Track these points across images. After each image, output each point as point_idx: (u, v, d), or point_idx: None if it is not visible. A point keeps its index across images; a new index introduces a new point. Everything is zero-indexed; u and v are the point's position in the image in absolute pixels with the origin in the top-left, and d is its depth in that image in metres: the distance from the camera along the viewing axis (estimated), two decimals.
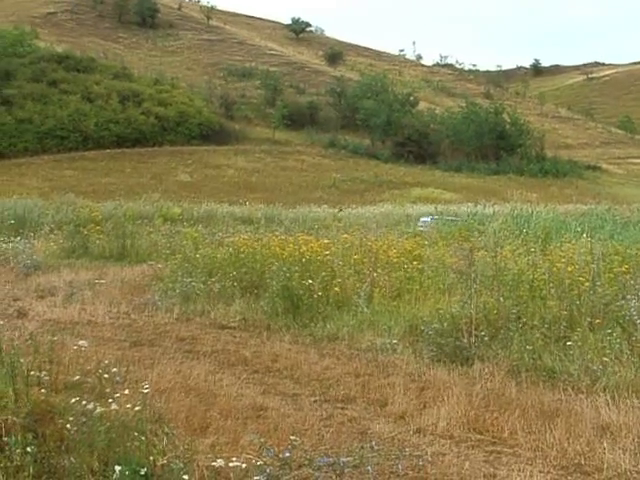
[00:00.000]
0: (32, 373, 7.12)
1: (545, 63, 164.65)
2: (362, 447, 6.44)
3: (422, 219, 35.24)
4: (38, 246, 24.53)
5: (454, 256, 15.35)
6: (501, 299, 11.69)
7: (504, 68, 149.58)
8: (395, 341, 11.31)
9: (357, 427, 7.76)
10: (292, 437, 6.31)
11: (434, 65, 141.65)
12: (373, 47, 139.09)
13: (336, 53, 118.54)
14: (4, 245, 23.47)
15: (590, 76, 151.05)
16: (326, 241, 16.91)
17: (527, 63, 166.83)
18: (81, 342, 8.75)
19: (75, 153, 70.31)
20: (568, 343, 10.05)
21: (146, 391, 6.84)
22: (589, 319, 10.86)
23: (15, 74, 74.56)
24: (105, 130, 73.43)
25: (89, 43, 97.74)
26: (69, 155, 69.65)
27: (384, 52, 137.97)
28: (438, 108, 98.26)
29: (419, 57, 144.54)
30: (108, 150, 72.12)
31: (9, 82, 73.36)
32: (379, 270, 14.94)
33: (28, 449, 5.62)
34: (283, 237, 18.18)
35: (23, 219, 29.70)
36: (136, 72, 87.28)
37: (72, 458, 5.87)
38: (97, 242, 25.48)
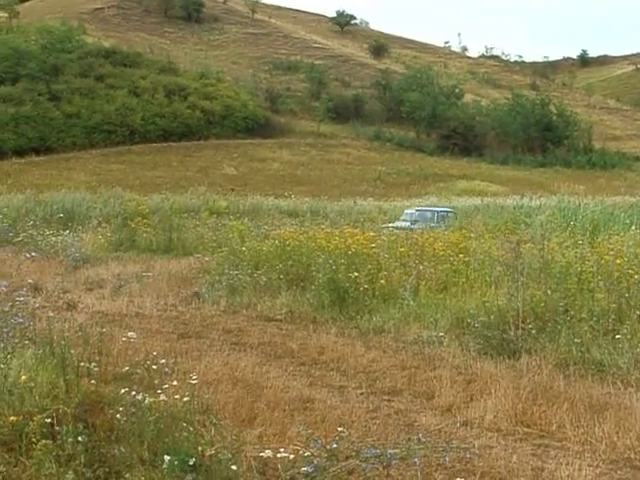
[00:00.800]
0: (82, 364, 7.21)
1: (593, 53, 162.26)
2: (409, 439, 6.43)
3: (406, 211, 32.66)
4: (86, 239, 24.81)
5: (501, 249, 15.26)
6: (548, 292, 11.61)
7: (551, 59, 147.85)
8: (441, 334, 11.30)
9: (404, 419, 7.76)
10: (339, 429, 6.33)
11: (480, 57, 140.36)
12: (418, 39, 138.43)
13: (381, 46, 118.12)
14: (53, 238, 23.75)
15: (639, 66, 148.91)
16: (372, 234, 16.91)
17: (574, 54, 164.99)
18: (130, 334, 8.85)
19: (122, 147, 70.94)
20: (617, 336, 9.95)
21: (194, 382, 6.90)
22: (638, 312, 10.75)
23: (63, 69, 75.36)
24: (151, 124, 73.97)
25: (135, 38, 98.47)
26: (116, 149, 70.29)
27: (429, 44, 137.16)
28: (484, 100, 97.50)
29: (464, 49, 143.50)
30: (154, 144, 72.64)
31: (57, 77, 74.16)
32: (425, 263, 14.91)
33: (79, 438, 5.69)
34: (329, 230, 18.21)
35: (72, 213, 30.04)
36: (182, 66, 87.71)
37: (122, 448, 5.94)
38: (144, 235, 25.72)
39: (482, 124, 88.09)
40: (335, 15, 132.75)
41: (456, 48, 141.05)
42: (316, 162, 73.28)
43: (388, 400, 8.48)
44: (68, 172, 61.30)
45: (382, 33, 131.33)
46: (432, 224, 26.57)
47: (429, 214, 30.21)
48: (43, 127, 68.78)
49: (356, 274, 13.89)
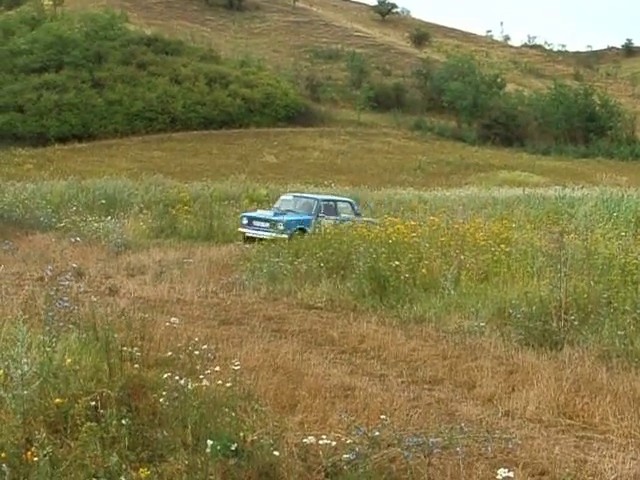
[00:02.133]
0: (125, 348, 7.27)
1: (638, 43, 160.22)
2: (451, 428, 6.41)
3: (282, 197, 27.41)
4: (128, 225, 25.01)
5: (543, 239, 15.17)
6: (591, 283, 11.54)
7: (595, 48, 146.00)
8: (483, 324, 11.26)
9: (445, 409, 7.75)
10: (382, 417, 6.32)
11: (522, 46, 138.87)
12: (460, 28, 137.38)
13: (422, 34, 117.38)
14: (95, 224, 23.98)
15: None
16: (413, 223, 16.88)
17: (619, 43, 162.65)
18: (173, 319, 8.90)
19: (163, 134, 71.25)
20: None
21: (237, 368, 6.93)
22: None
23: (106, 57, 75.79)
24: (192, 112, 74.22)
25: (177, 26, 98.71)
26: (157, 136, 70.62)
27: (471, 33, 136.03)
28: (526, 90, 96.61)
29: (507, 38, 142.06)
30: (195, 131, 72.86)
31: (100, 65, 74.65)
32: (466, 253, 14.86)
33: (123, 421, 5.74)
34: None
35: (113, 199, 30.25)
36: (223, 54, 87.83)
37: (164, 432, 5.99)
38: (185, 222, 25.89)
39: (524, 114, 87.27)
40: (376, 3, 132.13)
41: (498, 37, 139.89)
42: (356, 151, 73.11)
43: (429, 389, 8.48)
44: (110, 159, 61.72)
45: (423, 22, 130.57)
46: (308, 216, 23.97)
47: (310, 202, 25.77)
48: (86, 114, 69.31)
49: (397, 263, 13.88)
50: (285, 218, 23.76)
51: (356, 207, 26.46)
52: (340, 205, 25.85)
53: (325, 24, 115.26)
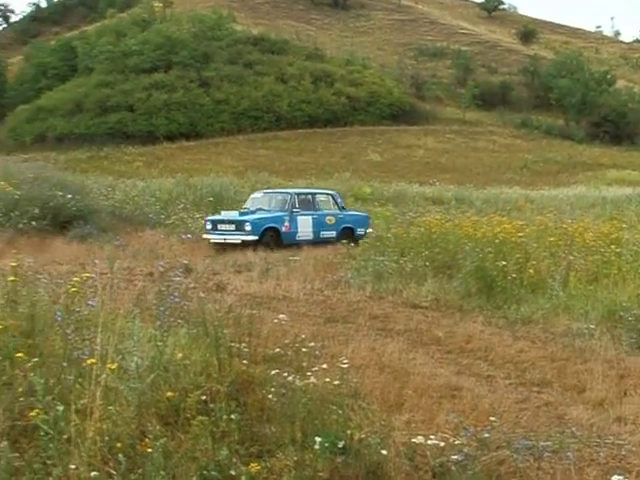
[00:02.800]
0: (233, 344, 7.35)
1: None
2: (562, 432, 6.29)
3: (253, 196, 24.88)
4: None
5: None
6: None
7: None
8: (592, 326, 11.01)
9: (554, 412, 7.60)
10: (492, 418, 6.25)
11: (634, 41, 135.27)
12: (568, 24, 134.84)
13: (529, 31, 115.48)
14: (203, 221, 24.36)
15: None
16: (520, 222, 16.65)
17: None
18: (281, 316, 8.98)
19: (268, 133, 72.00)
20: None
21: (345, 366, 6.95)
22: None
23: (213, 57, 77.07)
24: (298, 110, 74.76)
25: (283, 25, 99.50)
26: (263, 135, 71.41)
27: (580, 29, 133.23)
28: (637, 86, 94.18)
29: (617, 33, 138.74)
30: (300, 130, 73.38)
31: (208, 65, 75.95)
32: (575, 253, 14.57)
33: (232, 416, 5.81)
34: (475, 218, 18.05)
35: (220, 196, 30.72)
36: (328, 53, 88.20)
37: (273, 427, 6.04)
38: None
39: (635, 111, 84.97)
40: (483, 0, 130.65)
41: (608, 33, 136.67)
42: (461, 149, 72.51)
43: (537, 392, 8.33)
44: (217, 157, 62.70)
45: (531, 18, 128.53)
46: (280, 213, 22.38)
47: (283, 197, 23.48)
48: (193, 113, 70.69)
49: (504, 263, 13.70)
50: (252, 217, 22.00)
51: (339, 200, 24.76)
52: (319, 199, 24.04)
53: (430, 22, 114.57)
